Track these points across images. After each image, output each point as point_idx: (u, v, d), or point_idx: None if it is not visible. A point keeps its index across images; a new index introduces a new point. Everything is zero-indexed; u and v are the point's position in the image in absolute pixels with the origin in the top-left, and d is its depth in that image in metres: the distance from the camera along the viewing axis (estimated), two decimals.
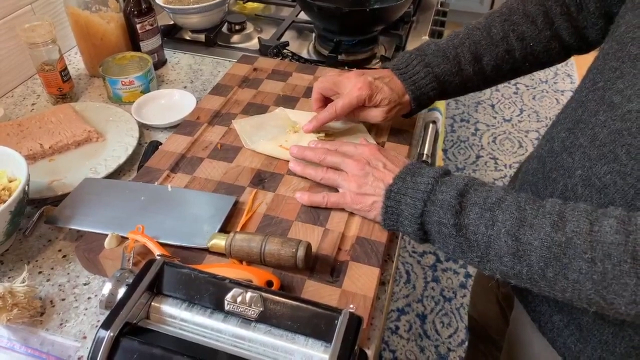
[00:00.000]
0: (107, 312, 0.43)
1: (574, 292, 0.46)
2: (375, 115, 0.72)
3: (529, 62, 0.73)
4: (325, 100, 0.76)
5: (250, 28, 1.22)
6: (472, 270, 1.80)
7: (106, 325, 0.41)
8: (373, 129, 0.80)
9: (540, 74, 2.83)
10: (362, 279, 0.56)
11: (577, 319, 0.57)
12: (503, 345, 0.81)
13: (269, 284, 0.54)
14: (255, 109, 0.85)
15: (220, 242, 0.58)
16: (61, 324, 0.57)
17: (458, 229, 0.52)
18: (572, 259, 0.45)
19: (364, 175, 0.61)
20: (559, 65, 2.88)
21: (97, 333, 0.41)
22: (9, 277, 0.62)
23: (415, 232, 0.56)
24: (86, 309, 0.59)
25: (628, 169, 0.48)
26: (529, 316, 0.66)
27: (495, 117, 2.54)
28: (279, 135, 0.77)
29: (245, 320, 0.44)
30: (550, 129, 0.63)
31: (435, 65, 0.71)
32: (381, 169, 0.60)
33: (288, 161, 0.73)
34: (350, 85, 0.71)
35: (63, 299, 0.60)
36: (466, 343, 1.57)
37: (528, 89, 2.73)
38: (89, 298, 0.60)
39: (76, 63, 1.07)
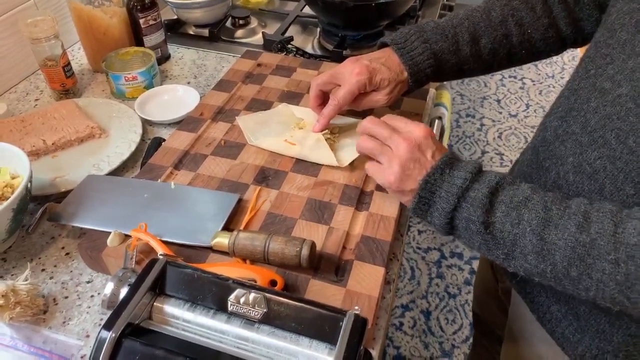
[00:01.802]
0: (110, 312, 0.42)
1: (598, 291, 0.46)
2: (379, 99, 0.71)
3: (525, 50, 0.72)
4: (324, 97, 0.75)
5: (254, 23, 1.21)
6: (476, 266, 1.79)
7: (108, 326, 0.40)
8: None
9: (547, 69, 2.80)
10: (367, 279, 0.56)
11: (574, 308, 0.58)
12: (504, 338, 0.81)
13: (273, 283, 0.53)
14: (259, 104, 0.84)
15: (223, 240, 0.57)
16: (64, 322, 0.57)
17: (486, 227, 0.52)
18: (595, 260, 0.45)
19: (411, 160, 0.57)
20: (565, 60, 2.86)
21: (99, 334, 0.40)
22: (12, 275, 0.62)
23: (443, 226, 0.56)
24: (89, 307, 0.59)
25: (617, 153, 0.49)
26: (528, 307, 0.66)
27: (501, 113, 2.52)
28: (283, 131, 0.76)
29: (248, 321, 0.43)
30: (544, 119, 0.64)
31: (433, 42, 0.70)
32: (429, 157, 0.56)
33: (292, 158, 0.72)
34: (347, 72, 0.69)
35: (66, 297, 0.60)
36: (470, 339, 1.56)
37: (534, 84, 2.70)
38: (92, 296, 0.60)
39: (79, 58, 1.07)
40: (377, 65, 0.69)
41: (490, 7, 0.71)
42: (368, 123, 0.61)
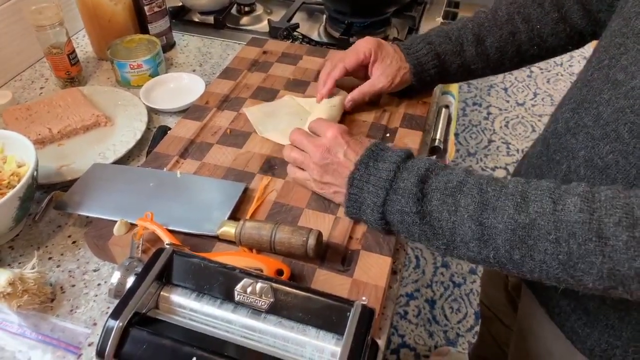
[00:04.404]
0: (117, 301, 0.42)
1: (542, 272, 0.45)
2: (381, 80, 0.74)
3: (536, 46, 0.72)
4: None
5: (259, 10, 1.20)
6: None
7: (115, 315, 0.40)
8: (385, 115, 0.78)
9: (555, 57, 2.76)
10: (373, 269, 0.55)
11: (583, 303, 0.57)
12: (513, 332, 0.81)
13: (279, 272, 0.53)
14: (265, 93, 0.83)
15: (230, 229, 0.57)
16: (71, 311, 0.57)
17: (421, 217, 0.51)
18: (537, 241, 0.44)
19: (325, 165, 0.59)
20: None
21: (106, 323, 0.40)
22: (19, 263, 0.62)
23: (378, 222, 0.55)
24: (96, 296, 0.59)
25: (630, 147, 0.48)
26: (537, 300, 0.65)
27: (508, 101, 2.50)
28: (293, 123, 0.75)
29: (255, 311, 0.43)
30: (556, 111, 0.63)
31: (437, 44, 0.73)
32: (341, 158, 0.58)
33: None
34: (358, 43, 0.76)
35: (73, 285, 0.60)
36: (475, 328, 1.57)
37: (542, 72, 2.67)
38: (98, 284, 0.60)
39: (84, 46, 1.06)
40: (386, 44, 0.74)
41: (497, 7, 0.72)
42: (292, 133, 0.64)
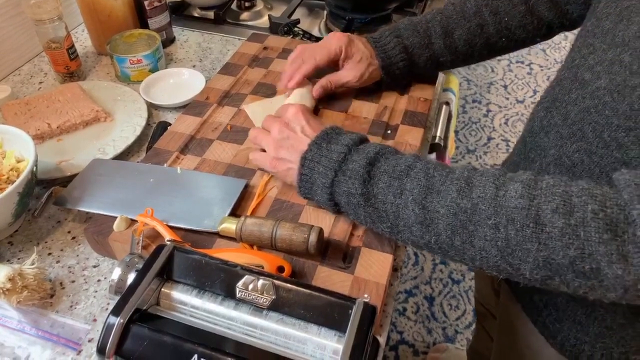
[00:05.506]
0: (117, 298, 0.42)
1: (482, 260, 0.45)
2: (347, 74, 0.74)
3: (505, 38, 0.73)
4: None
5: (260, 5, 1.19)
6: None
7: (116, 311, 0.40)
8: (386, 112, 0.77)
9: (555, 54, 2.76)
10: (374, 266, 0.55)
11: (553, 298, 0.58)
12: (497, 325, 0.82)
13: (280, 269, 0.53)
14: (265, 89, 0.83)
15: (230, 226, 0.57)
16: (71, 306, 0.57)
17: (366, 199, 0.51)
18: (477, 226, 0.44)
19: (281, 139, 0.59)
20: None
21: (107, 319, 0.40)
22: (19, 259, 0.62)
23: (327, 203, 0.56)
24: (96, 292, 0.59)
25: (594, 147, 0.48)
26: (514, 297, 0.66)
27: (507, 98, 2.50)
28: None
29: (257, 308, 0.43)
30: (533, 109, 0.64)
31: (405, 38, 0.73)
32: (299, 133, 0.58)
33: None
34: (329, 38, 0.75)
35: (73, 281, 0.60)
36: (473, 325, 1.57)
37: (542, 70, 2.67)
38: (98, 280, 0.60)
39: (83, 40, 1.05)
40: (357, 40, 0.74)
41: (466, 0, 0.73)
42: (264, 119, 0.64)
